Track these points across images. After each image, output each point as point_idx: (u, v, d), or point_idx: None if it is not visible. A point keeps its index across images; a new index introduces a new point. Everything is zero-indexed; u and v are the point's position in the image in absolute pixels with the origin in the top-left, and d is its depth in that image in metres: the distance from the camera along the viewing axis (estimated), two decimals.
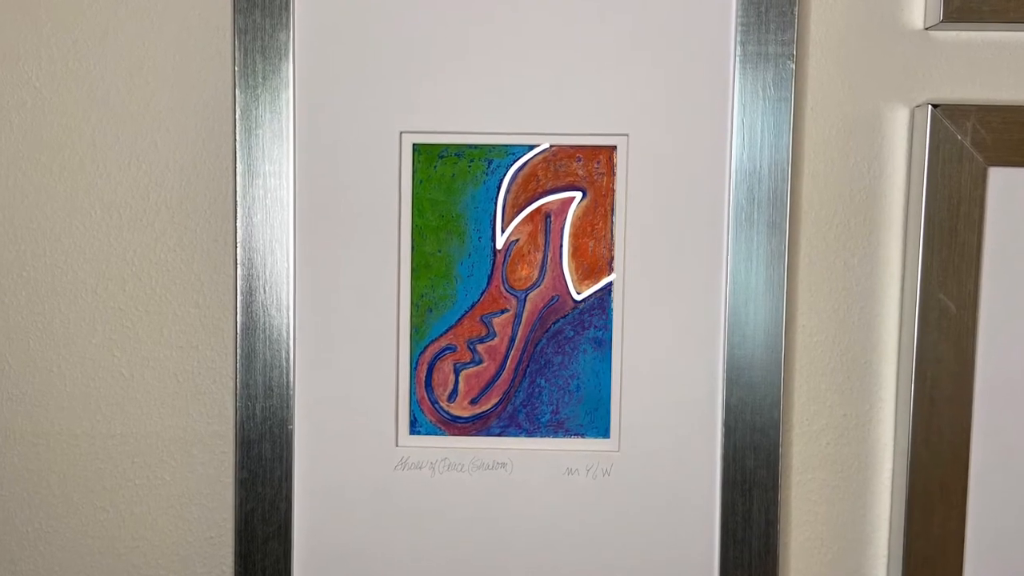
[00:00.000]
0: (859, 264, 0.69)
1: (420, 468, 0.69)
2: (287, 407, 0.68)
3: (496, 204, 0.68)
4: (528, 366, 0.68)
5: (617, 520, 0.69)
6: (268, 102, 0.66)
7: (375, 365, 0.68)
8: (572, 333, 0.68)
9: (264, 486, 0.69)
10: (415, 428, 0.69)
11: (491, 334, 0.68)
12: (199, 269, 0.71)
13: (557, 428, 0.69)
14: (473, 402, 0.69)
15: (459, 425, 0.69)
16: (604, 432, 0.69)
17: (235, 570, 0.69)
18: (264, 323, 0.68)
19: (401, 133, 0.67)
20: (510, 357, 0.69)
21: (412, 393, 0.69)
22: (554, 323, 0.68)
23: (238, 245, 0.67)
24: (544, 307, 0.68)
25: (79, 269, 0.71)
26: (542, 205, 0.68)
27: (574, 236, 0.68)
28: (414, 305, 0.68)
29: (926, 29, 0.67)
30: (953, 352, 0.66)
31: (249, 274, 0.67)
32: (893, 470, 0.70)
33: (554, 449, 0.69)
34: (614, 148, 0.67)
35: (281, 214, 0.67)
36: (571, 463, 0.69)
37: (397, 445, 0.69)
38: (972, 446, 0.67)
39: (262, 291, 0.68)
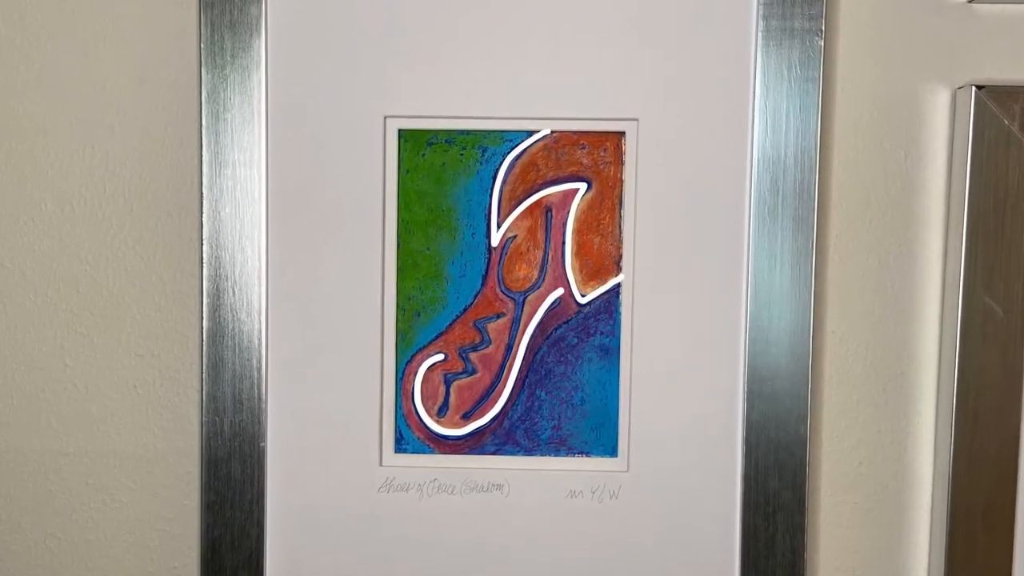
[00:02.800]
0: (895, 263, 0.68)
1: (406, 490, 0.68)
2: (258, 422, 0.68)
3: (491, 196, 0.67)
4: (527, 376, 0.68)
5: (625, 548, 0.68)
6: (237, 83, 0.66)
7: (356, 376, 0.67)
8: (575, 340, 0.68)
9: (233, 510, 0.68)
10: (401, 446, 0.68)
11: (485, 341, 0.67)
12: (161, 268, 0.70)
13: (559, 446, 0.68)
14: (465, 417, 0.68)
15: (450, 442, 0.69)
16: (611, 450, 0.68)
17: None
18: (233, 329, 0.67)
19: (386, 118, 0.66)
20: (506, 367, 0.68)
21: (398, 407, 0.68)
22: (555, 329, 0.68)
23: (204, 242, 0.66)
24: (544, 311, 0.67)
25: (27, 268, 0.70)
26: (542, 198, 0.67)
27: (578, 232, 0.67)
28: (400, 309, 0.67)
29: (969, 2, 0.66)
30: (999, 361, 0.66)
31: (216, 274, 0.67)
32: (932, 492, 0.69)
33: (555, 469, 0.68)
34: (622, 134, 0.66)
35: (252, 208, 0.66)
36: (574, 484, 0.68)
37: (381, 464, 0.68)
38: (1020, 465, 0.66)
39: (231, 293, 0.67)
